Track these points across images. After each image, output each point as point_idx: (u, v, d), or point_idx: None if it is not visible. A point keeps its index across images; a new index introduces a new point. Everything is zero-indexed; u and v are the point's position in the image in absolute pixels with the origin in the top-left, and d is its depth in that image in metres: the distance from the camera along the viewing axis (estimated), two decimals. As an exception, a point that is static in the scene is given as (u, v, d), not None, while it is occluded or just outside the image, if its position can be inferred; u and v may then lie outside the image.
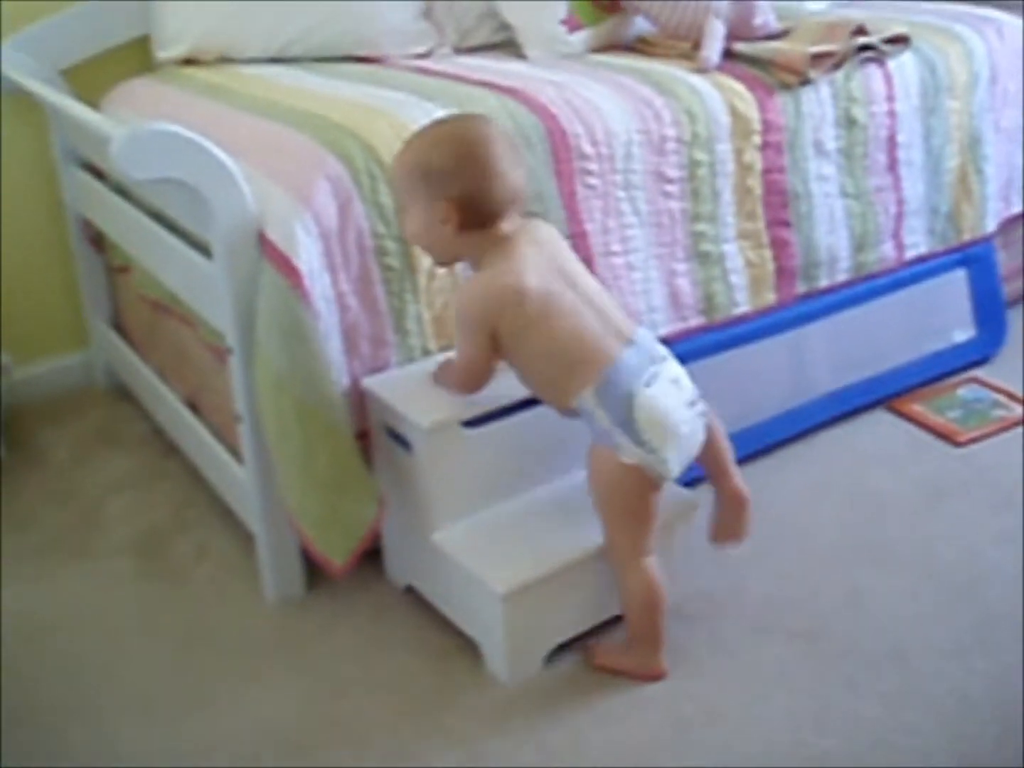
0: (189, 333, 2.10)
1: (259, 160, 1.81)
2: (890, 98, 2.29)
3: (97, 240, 2.51)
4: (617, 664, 1.70)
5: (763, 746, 1.55)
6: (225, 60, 2.40)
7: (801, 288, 2.26)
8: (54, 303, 2.61)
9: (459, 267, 1.81)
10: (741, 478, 1.77)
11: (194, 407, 2.17)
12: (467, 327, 1.64)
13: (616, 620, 1.75)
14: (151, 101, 2.29)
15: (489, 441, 1.75)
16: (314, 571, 1.88)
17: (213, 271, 1.75)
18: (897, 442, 2.27)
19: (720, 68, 2.19)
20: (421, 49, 2.44)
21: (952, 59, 2.39)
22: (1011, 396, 2.38)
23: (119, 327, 2.56)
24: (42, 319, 2.60)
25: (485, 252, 1.63)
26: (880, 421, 2.34)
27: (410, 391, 1.76)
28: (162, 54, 2.41)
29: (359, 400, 1.81)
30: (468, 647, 1.75)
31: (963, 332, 2.50)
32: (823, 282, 2.28)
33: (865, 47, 2.27)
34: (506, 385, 1.72)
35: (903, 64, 2.32)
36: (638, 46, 2.39)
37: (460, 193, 1.59)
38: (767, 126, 2.14)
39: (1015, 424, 2.29)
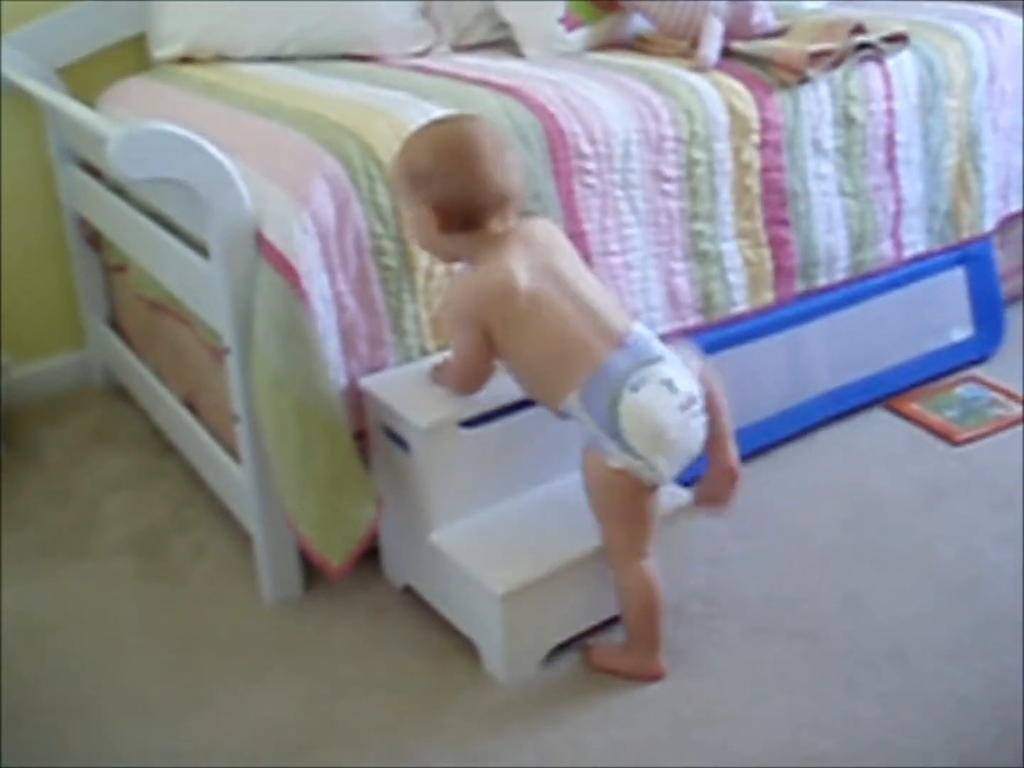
0: (186, 333, 2.09)
1: (256, 159, 1.80)
2: (888, 97, 2.29)
3: (94, 239, 2.51)
4: (615, 664, 1.70)
5: (762, 746, 1.55)
6: (222, 59, 2.39)
7: (799, 287, 2.26)
8: (51, 302, 2.60)
9: (458, 267, 1.81)
10: (736, 452, 1.76)
11: (192, 407, 2.16)
12: (459, 322, 1.65)
13: (615, 620, 1.75)
14: (148, 100, 2.28)
15: (487, 441, 1.74)
16: (312, 571, 1.87)
17: (210, 271, 1.75)
18: (895, 441, 2.27)
19: (718, 67, 2.18)
20: (419, 48, 2.44)
21: (951, 58, 2.38)
22: (1009, 395, 2.38)
23: (116, 326, 2.56)
24: (39, 318, 2.59)
25: (477, 252, 1.63)
26: (878, 420, 2.34)
27: (408, 391, 1.76)
28: (159, 52, 2.41)
29: (357, 400, 1.81)
30: (466, 647, 1.75)
31: (961, 331, 2.50)
32: (821, 281, 2.28)
33: (864, 45, 2.26)
34: (504, 385, 1.71)
35: (902, 63, 2.32)
36: (636, 45, 2.38)
37: (439, 197, 1.60)
38: (765, 125, 2.13)
39: (1013, 423, 2.29)
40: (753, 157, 2.13)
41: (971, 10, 2.59)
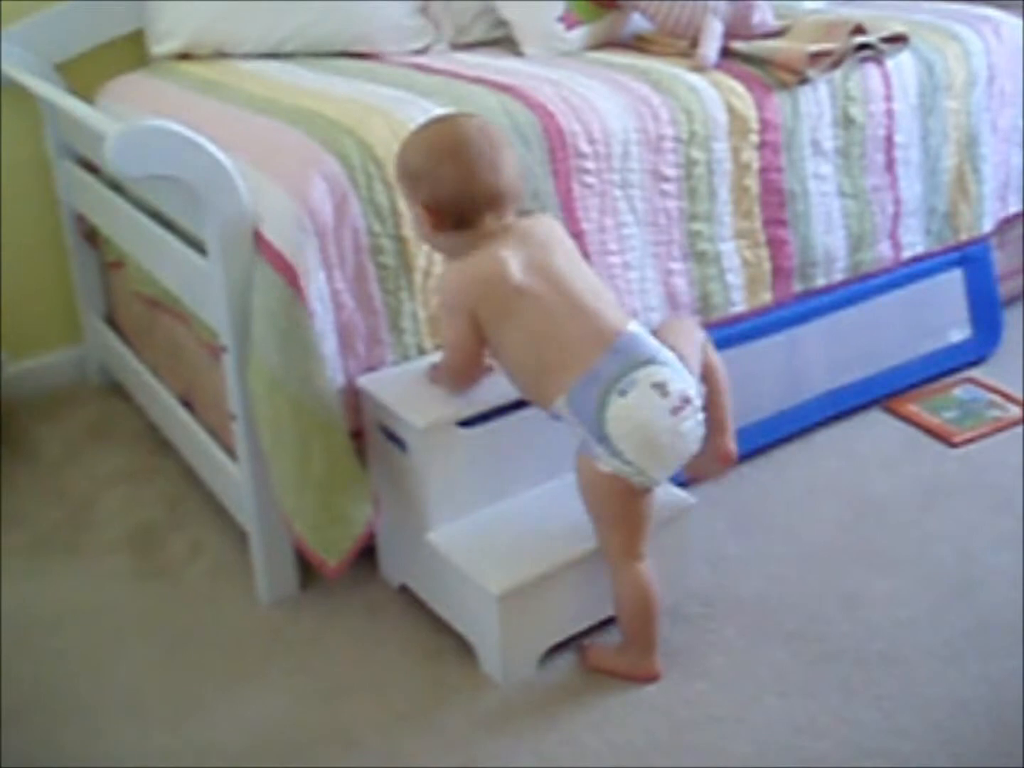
0: (183, 330, 2.09)
1: (254, 157, 1.80)
2: (888, 97, 2.29)
3: (91, 235, 2.50)
4: (610, 665, 1.69)
5: (758, 748, 1.55)
6: (220, 55, 2.38)
7: (798, 287, 2.25)
8: (48, 298, 2.60)
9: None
10: (734, 437, 1.75)
11: (188, 404, 2.16)
12: (449, 311, 1.65)
13: (611, 620, 1.74)
14: (146, 96, 2.27)
15: (484, 441, 1.74)
16: (308, 570, 1.87)
17: (208, 268, 1.74)
18: (893, 442, 2.27)
19: (718, 66, 2.18)
20: (418, 45, 2.43)
21: (950, 58, 2.38)
22: (1007, 396, 2.38)
23: (113, 323, 2.55)
24: (36, 314, 2.59)
25: (472, 249, 1.63)
26: (876, 421, 2.34)
27: (405, 390, 1.76)
28: (157, 49, 2.40)
29: (354, 399, 1.80)
30: (462, 647, 1.74)
31: (959, 332, 2.50)
32: (820, 281, 2.28)
33: (863, 46, 2.26)
34: (501, 385, 1.71)
35: (901, 63, 2.32)
36: (636, 44, 2.38)
37: (430, 196, 1.60)
38: (765, 125, 2.13)
39: (1011, 425, 2.28)
40: (752, 157, 2.13)
41: (970, 11, 2.59)
